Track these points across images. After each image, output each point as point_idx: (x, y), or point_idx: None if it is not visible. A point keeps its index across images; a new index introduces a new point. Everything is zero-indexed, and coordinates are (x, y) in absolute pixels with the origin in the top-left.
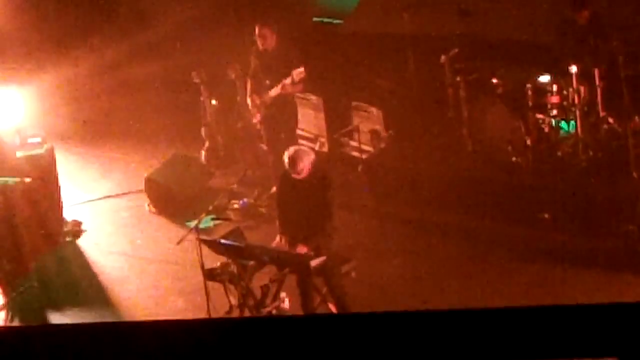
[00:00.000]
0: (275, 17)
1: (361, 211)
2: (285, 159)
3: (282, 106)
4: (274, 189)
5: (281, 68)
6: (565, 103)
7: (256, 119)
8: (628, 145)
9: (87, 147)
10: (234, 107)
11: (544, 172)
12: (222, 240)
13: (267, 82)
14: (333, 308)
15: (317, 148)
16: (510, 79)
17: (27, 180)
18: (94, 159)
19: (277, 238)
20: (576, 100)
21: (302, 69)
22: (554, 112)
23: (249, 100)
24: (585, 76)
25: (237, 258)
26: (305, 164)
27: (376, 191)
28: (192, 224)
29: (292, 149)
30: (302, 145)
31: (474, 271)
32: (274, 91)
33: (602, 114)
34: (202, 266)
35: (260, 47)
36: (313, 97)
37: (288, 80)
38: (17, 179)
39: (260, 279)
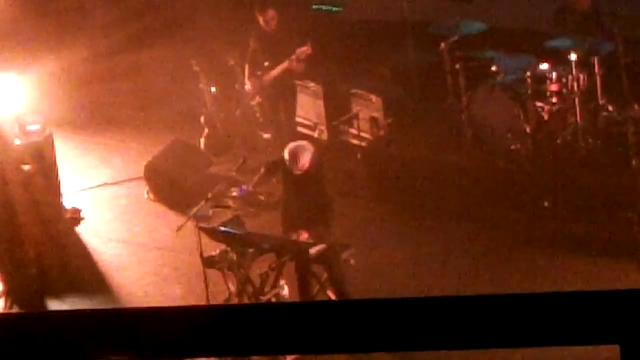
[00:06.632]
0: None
1: (360, 199)
2: (286, 155)
3: (282, 88)
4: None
5: (282, 50)
6: (564, 91)
7: (255, 101)
8: (627, 132)
9: (86, 135)
10: (232, 94)
11: (543, 159)
12: (221, 228)
13: (266, 64)
14: (332, 295)
15: (316, 136)
16: (510, 67)
17: (26, 167)
18: (93, 146)
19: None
20: (575, 88)
21: (307, 47)
22: (554, 99)
23: (247, 83)
24: (584, 64)
25: (236, 245)
26: (306, 160)
27: (375, 179)
28: (192, 211)
29: (292, 145)
30: (301, 132)
31: (473, 258)
32: (276, 70)
33: (601, 101)
34: (201, 253)
35: (264, 26)
36: (312, 85)
37: (292, 57)
38: None
39: (259, 267)
